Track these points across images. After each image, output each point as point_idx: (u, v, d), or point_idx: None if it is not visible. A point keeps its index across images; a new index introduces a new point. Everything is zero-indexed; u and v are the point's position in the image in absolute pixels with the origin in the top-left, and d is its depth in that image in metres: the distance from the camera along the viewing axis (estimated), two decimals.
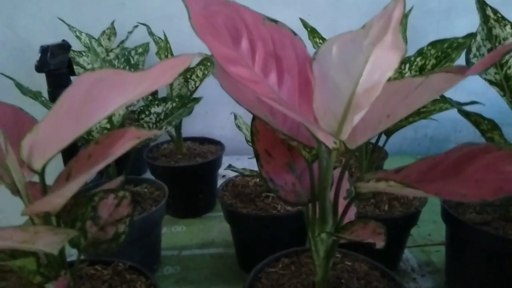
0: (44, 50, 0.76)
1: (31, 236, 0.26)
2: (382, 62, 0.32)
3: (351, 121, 0.33)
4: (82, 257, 0.38)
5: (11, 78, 0.53)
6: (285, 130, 0.36)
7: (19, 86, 0.53)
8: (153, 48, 1.01)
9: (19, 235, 0.25)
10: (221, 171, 0.90)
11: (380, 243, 0.30)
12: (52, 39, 0.87)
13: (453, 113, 1.05)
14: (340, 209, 0.39)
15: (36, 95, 0.54)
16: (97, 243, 0.36)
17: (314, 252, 0.40)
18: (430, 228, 0.79)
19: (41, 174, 0.30)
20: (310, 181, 0.39)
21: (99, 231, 0.36)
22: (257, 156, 0.39)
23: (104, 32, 1.02)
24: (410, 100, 0.33)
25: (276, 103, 0.29)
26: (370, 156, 0.69)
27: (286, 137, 0.35)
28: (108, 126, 0.57)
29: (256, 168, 0.68)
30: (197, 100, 0.65)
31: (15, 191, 0.31)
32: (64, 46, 0.83)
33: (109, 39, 1.02)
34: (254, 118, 0.40)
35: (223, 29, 0.31)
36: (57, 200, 0.28)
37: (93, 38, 0.95)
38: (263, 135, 0.40)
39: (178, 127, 0.84)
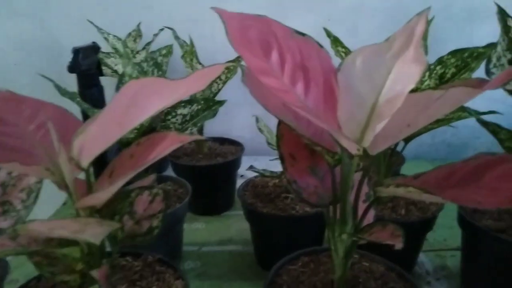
0: (76, 51, 0.80)
1: (82, 227, 0.29)
2: (404, 75, 0.34)
3: (374, 130, 0.35)
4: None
5: (50, 80, 0.57)
6: (309, 135, 0.38)
7: (57, 87, 0.56)
8: (176, 50, 1.05)
9: (72, 226, 0.28)
10: (240, 171, 0.93)
11: (398, 245, 0.32)
12: (81, 40, 0.92)
13: (471, 120, 1.05)
14: (360, 212, 0.41)
15: (72, 96, 0.57)
16: (133, 236, 0.39)
17: (334, 252, 0.42)
18: (446, 233, 0.80)
19: (87, 171, 0.33)
20: (332, 184, 0.41)
21: (135, 225, 0.39)
22: (282, 159, 0.41)
23: (130, 34, 1.06)
24: (430, 112, 0.34)
25: (303, 111, 0.31)
26: (388, 161, 0.71)
27: (311, 142, 0.38)
28: (137, 126, 0.60)
29: (275, 169, 0.71)
30: (221, 103, 0.68)
31: (63, 186, 0.34)
32: (94, 48, 0.87)
33: (134, 40, 1.06)
34: (280, 123, 0.42)
35: (256, 42, 0.33)
36: (104, 195, 0.31)
37: (120, 39, 0.98)
38: (287, 139, 0.42)
39: (200, 128, 0.87)
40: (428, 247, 0.75)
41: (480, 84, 0.31)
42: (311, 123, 0.40)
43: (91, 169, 0.36)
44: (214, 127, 1.22)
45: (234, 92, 1.00)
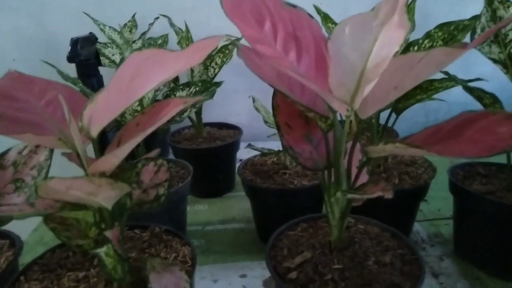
0: (74, 42, 0.82)
1: (95, 189, 0.32)
2: (389, 40, 0.36)
3: (362, 92, 0.37)
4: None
5: (53, 66, 0.59)
6: (303, 102, 0.41)
7: (60, 73, 0.58)
8: (172, 39, 1.07)
9: (87, 186, 0.31)
10: (239, 155, 0.95)
11: (388, 195, 0.34)
12: (77, 33, 0.93)
13: (463, 97, 1.07)
14: (353, 177, 0.43)
15: (75, 81, 0.60)
16: (141, 203, 0.41)
17: (330, 214, 0.44)
18: (439, 204, 0.83)
19: (97, 140, 0.36)
20: (325, 149, 0.44)
21: (142, 194, 0.42)
22: (278, 128, 0.43)
23: (125, 24, 1.07)
24: (414, 72, 0.37)
25: (297, 75, 0.33)
26: (381, 136, 0.73)
27: (304, 108, 0.40)
28: (138, 108, 0.62)
29: (273, 149, 0.74)
30: (218, 84, 0.70)
31: (74, 156, 0.37)
32: (91, 38, 0.88)
33: (130, 31, 1.07)
34: (275, 94, 0.45)
35: (249, 13, 0.36)
36: (113, 159, 0.33)
37: (116, 30, 1.00)
38: (283, 109, 0.44)
39: (198, 113, 0.89)
40: (423, 217, 0.78)
41: (461, 45, 0.34)
42: (304, 91, 0.43)
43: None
44: (212, 113, 1.25)
45: (230, 79, 1.02)
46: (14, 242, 0.52)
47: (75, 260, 0.44)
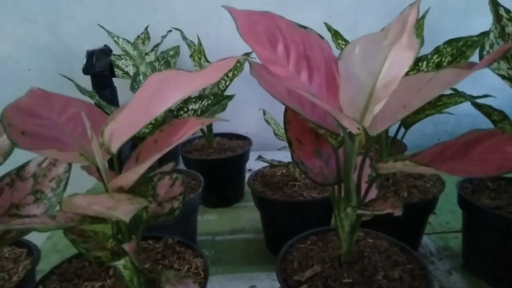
0: (90, 54, 0.84)
1: (115, 203, 0.33)
2: (398, 60, 0.37)
3: (372, 111, 0.38)
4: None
5: (71, 80, 0.61)
6: (313, 120, 0.42)
7: (78, 86, 0.60)
8: (183, 50, 1.09)
9: (107, 201, 0.32)
10: (248, 165, 0.97)
11: (397, 213, 0.35)
12: (91, 44, 0.96)
13: (471, 109, 1.08)
14: (363, 192, 0.44)
15: (91, 95, 0.61)
16: (156, 216, 0.43)
17: (340, 228, 0.45)
18: (448, 217, 0.83)
19: (117, 155, 0.37)
20: (336, 164, 0.45)
21: (158, 207, 0.43)
22: (289, 143, 0.44)
23: (139, 36, 1.10)
24: (423, 93, 0.38)
25: (308, 95, 0.35)
26: (389, 149, 0.74)
27: (315, 125, 0.41)
28: (152, 121, 0.64)
29: (282, 159, 0.75)
30: (230, 97, 0.72)
31: (94, 171, 0.38)
32: (106, 51, 0.91)
33: (143, 43, 1.10)
34: (286, 111, 0.46)
35: (263, 35, 0.37)
36: (132, 176, 0.35)
37: (129, 42, 1.03)
38: (294, 125, 0.46)
39: (209, 124, 0.91)
40: (431, 230, 0.79)
41: (469, 66, 0.35)
42: (315, 108, 0.44)
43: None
44: (222, 124, 1.26)
45: (240, 90, 1.04)
46: (32, 251, 0.54)
47: (91, 270, 0.46)
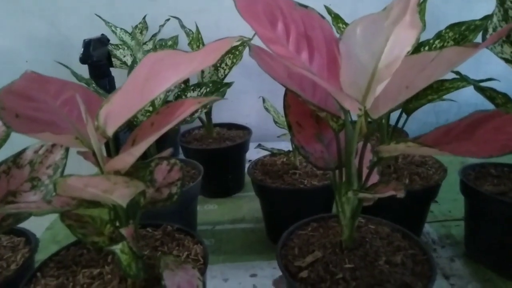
0: (87, 43, 0.83)
1: (111, 186, 0.32)
2: (401, 39, 0.36)
3: (374, 92, 0.37)
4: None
5: (67, 67, 0.60)
6: (314, 103, 0.41)
7: (74, 74, 0.59)
8: (181, 41, 1.08)
9: (103, 184, 0.31)
10: (248, 155, 0.96)
11: (400, 194, 0.34)
12: (89, 35, 0.95)
13: (473, 97, 1.06)
14: (364, 177, 0.43)
15: (88, 82, 0.61)
16: (154, 202, 0.42)
17: (341, 213, 0.45)
18: (450, 205, 0.82)
19: (112, 139, 0.37)
20: (337, 149, 0.44)
21: (156, 192, 0.42)
22: (289, 127, 0.44)
23: (136, 26, 1.09)
24: (426, 72, 0.37)
25: (310, 74, 0.34)
26: (390, 137, 0.73)
27: (316, 108, 0.40)
28: (150, 109, 0.63)
29: (282, 148, 0.74)
30: (229, 84, 0.71)
31: (90, 155, 0.38)
32: (103, 40, 0.90)
33: (141, 33, 1.09)
34: (286, 94, 0.45)
35: (262, 13, 0.36)
36: (129, 158, 0.34)
37: (127, 32, 1.01)
38: (294, 108, 0.45)
39: (208, 113, 0.90)
40: (433, 218, 0.78)
41: (473, 45, 0.34)
42: (316, 91, 0.43)
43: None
44: (222, 115, 1.25)
45: (239, 80, 1.03)
46: (30, 240, 0.53)
47: (90, 257, 0.45)
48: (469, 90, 0.83)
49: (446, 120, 1.25)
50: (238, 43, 0.84)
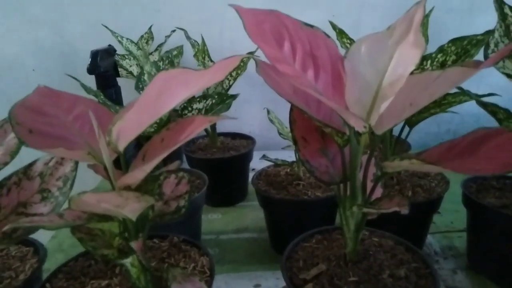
0: (94, 54, 0.84)
1: (123, 201, 0.33)
2: (405, 58, 0.37)
3: (378, 109, 0.38)
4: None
5: (76, 79, 0.61)
6: (319, 118, 0.42)
7: (83, 86, 0.60)
8: (186, 50, 1.09)
9: (115, 199, 0.32)
10: (251, 165, 0.97)
11: (404, 211, 0.35)
12: (95, 44, 0.96)
13: (475, 108, 1.07)
14: (368, 191, 0.44)
15: (96, 94, 0.62)
16: (163, 214, 0.43)
17: (345, 227, 0.45)
18: (452, 216, 0.83)
19: (123, 154, 0.37)
20: (341, 163, 0.45)
21: (164, 205, 0.43)
22: (295, 142, 0.45)
23: (142, 36, 1.10)
24: (430, 91, 0.38)
25: (315, 92, 0.35)
26: (393, 148, 0.74)
27: (322, 124, 0.41)
28: (157, 120, 0.64)
29: (286, 159, 0.75)
30: (234, 96, 0.72)
31: (101, 170, 0.39)
32: (110, 51, 0.91)
33: (147, 43, 1.10)
34: (292, 110, 0.46)
35: (269, 34, 0.37)
36: (139, 174, 0.35)
37: (133, 42, 1.03)
38: (299, 124, 0.46)
39: (213, 123, 0.91)
40: (436, 229, 0.78)
41: (475, 64, 0.35)
42: (321, 107, 0.44)
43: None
44: (225, 124, 1.27)
45: (243, 90, 1.04)
46: (38, 250, 0.54)
47: (98, 268, 0.46)
48: (472, 101, 0.84)
49: (448, 130, 1.26)
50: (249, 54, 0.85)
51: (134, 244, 0.36)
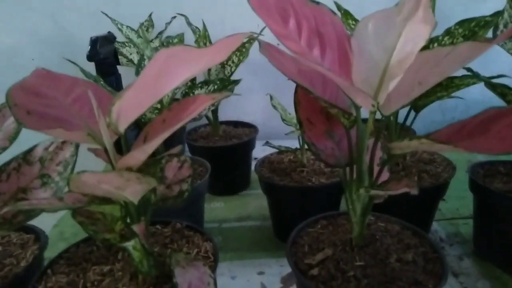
0: (94, 41, 0.83)
1: (124, 183, 0.32)
2: (414, 35, 0.36)
3: (387, 88, 0.37)
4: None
5: (76, 64, 0.60)
6: (326, 99, 0.41)
7: (83, 71, 0.59)
8: (187, 38, 1.08)
9: (116, 180, 0.31)
10: (254, 153, 0.96)
11: (414, 191, 0.34)
12: (94, 32, 0.94)
13: (480, 95, 1.06)
14: (375, 175, 0.43)
15: (96, 80, 0.61)
16: (165, 198, 0.42)
17: (351, 211, 0.44)
18: (458, 203, 0.82)
19: (124, 135, 0.36)
20: (348, 146, 0.44)
21: (166, 189, 0.42)
22: (300, 124, 0.43)
23: (142, 24, 1.08)
24: (440, 68, 0.37)
25: (323, 69, 0.34)
26: (398, 134, 0.73)
27: (328, 104, 0.40)
28: (158, 106, 0.63)
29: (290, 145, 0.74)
30: (236, 82, 0.70)
31: (101, 152, 0.38)
32: (110, 38, 0.90)
33: (147, 30, 1.09)
34: (296, 91, 0.45)
35: (274, 9, 0.36)
36: (141, 155, 0.34)
37: (133, 30, 1.01)
38: (304, 105, 0.44)
39: (215, 111, 0.90)
40: (441, 216, 0.78)
41: (487, 40, 0.34)
42: (326, 87, 0.43)
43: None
44: (227, 113, 1.25)
45: (245, 77, 1.03)
46: (39, 237, 0.53)
47: (100, 254, 0.45)
48: (476, 88, 0.83)
49: (452, 118, 1.24)
50: (245, 40, 0.84)
51: (136, 227, 0.35)
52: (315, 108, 0.45)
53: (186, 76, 0.36)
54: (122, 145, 0.37)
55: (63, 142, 0.47)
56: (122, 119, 0.35)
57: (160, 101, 0.63)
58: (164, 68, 0.35)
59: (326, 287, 0.40)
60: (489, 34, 0.62)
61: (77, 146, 0.47)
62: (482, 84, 0.63)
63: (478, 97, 1.09)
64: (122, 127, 0.36)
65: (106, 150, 0.36)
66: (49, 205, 0.34)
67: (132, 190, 0.34)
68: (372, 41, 0.37)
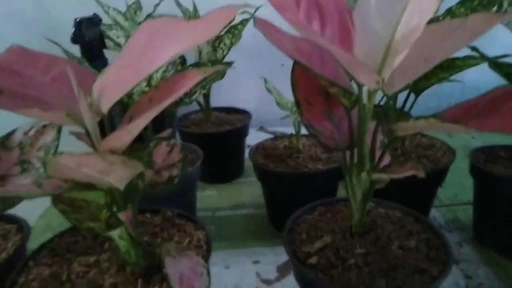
0: (78, 23, 0.79)
1: (107, 167, 0.29)
2: (420, 8, 0.33)
3: (391, 65, 0.34)
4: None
5: (58, 45, 0.57)
6: (325, 77, 0.38)
7: (66, 52, 0.56)
8: None
9: (99, 164, 0.28)
10: (247, 141, 0.93)
11: (420, 174, 0.32)
12: (80, 15, 0.90)
13: (476, 80, 1.04)
14: (377, 158, 0.41)
15: (80, 61, 0.57)
16: (154, 184, 0.39)
17: (352, 196, 0.42)
18: (456, 189, 0.80)
19: (108, 116, 0.33)
20: (348, 127, 0.41)
21: (155, 175, 0.40)
22: (298, 104, 0.41)
23: (130, 6, 1.04)
24: (448, 43, 0.34)
25: (325, 42, 0.31)
26: (397, 120, 0.71)
27: (327, 83, 0.37)
28: (146, 89, 0.60)
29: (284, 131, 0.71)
30: (229, 64, 0.67)
31: (83, 135, 0.35)
32: (95, 20, 0.86)
33: (135, 13, 1.04)
34: (294, 70, 0.42)
35: None
36: (126, 136, 0.31)
37: (120, 12, 0.97)
38: (302, 84, 0.42)
39: (206, 96, 0.87)
40: (439, 203, 0.76)
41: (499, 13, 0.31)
42: (325, 65, 0.40)
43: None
44: (220, 99, 1.22)
45: (237, 63, 0.99)
46: (22, 227, 0.50)
47: (85, 244, 0.43)
48: (472, 73, 0.81)
49: (448, 104, 1.22)
50: (237, 22, 0.80)
51: (122, 215, 0.32)
52: (313, 88, 0.42)
53: (175, 51, 0.33)
54: (105, 128, 0.34)
55: (44, 126, 0.44)
56: (105, 98, 0.32)
57: (149, 84, 0.60)
58: (150, 41, 0.32)
59: (325, 276, 0.38)
60: None
61: (59, 130, 0.44)
62: (477, 69, 0.61)
63: (473, 82, 1.07)
64: (105, 107, 0.33)
65: (88, 133, 0.33)
66: (27, 192, 0.31)
67: (117, 175, 0.31)
68: (375, 15, 0.35)
